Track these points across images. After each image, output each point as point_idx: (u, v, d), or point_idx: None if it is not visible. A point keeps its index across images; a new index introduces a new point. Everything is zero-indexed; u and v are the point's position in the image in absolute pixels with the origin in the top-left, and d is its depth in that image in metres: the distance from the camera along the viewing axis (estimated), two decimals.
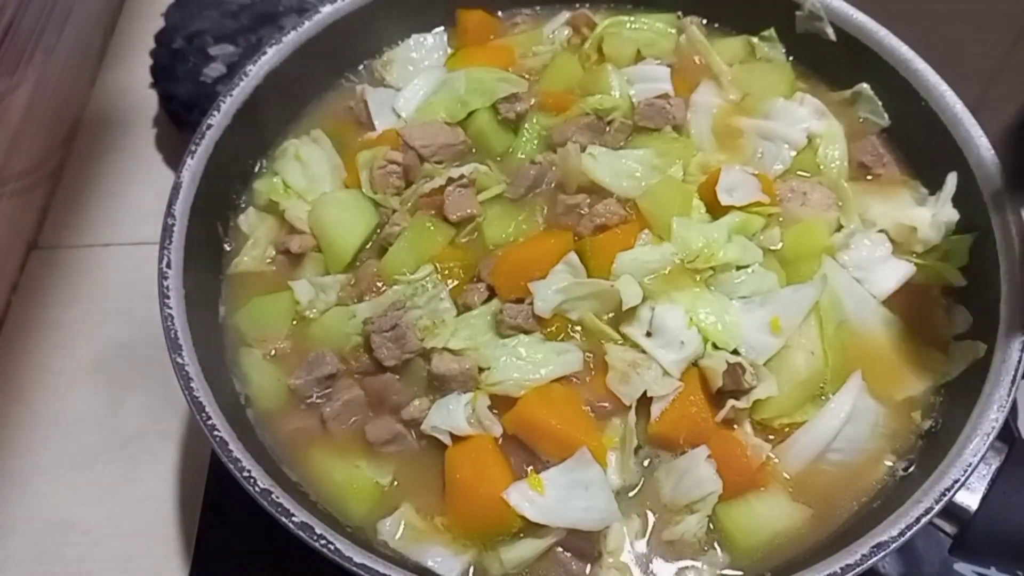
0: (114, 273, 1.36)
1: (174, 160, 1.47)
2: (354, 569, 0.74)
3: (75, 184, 1.46)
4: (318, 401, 0.91)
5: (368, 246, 1.01)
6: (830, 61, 1.14)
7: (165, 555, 1.12)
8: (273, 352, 0.95)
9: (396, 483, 0.88)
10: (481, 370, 0.89)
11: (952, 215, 1.01)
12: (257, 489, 0.78)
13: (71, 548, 1.13)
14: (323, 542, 0.75)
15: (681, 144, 1.06)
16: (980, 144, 0.99)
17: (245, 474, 0.78)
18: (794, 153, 1.07)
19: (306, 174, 1.07)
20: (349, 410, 0.90)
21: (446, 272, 0.95)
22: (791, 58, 1.18)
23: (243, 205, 1.07)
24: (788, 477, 0.88)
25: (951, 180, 1.02)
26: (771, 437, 0.89)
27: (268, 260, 1.03)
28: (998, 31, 1.45)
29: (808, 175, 1.06)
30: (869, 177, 1.07)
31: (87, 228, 1.41)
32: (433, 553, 0.83)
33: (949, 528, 0.85)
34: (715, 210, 0.99)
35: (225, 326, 0.98)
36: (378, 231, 1.01)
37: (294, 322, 0.97)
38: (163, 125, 1.50)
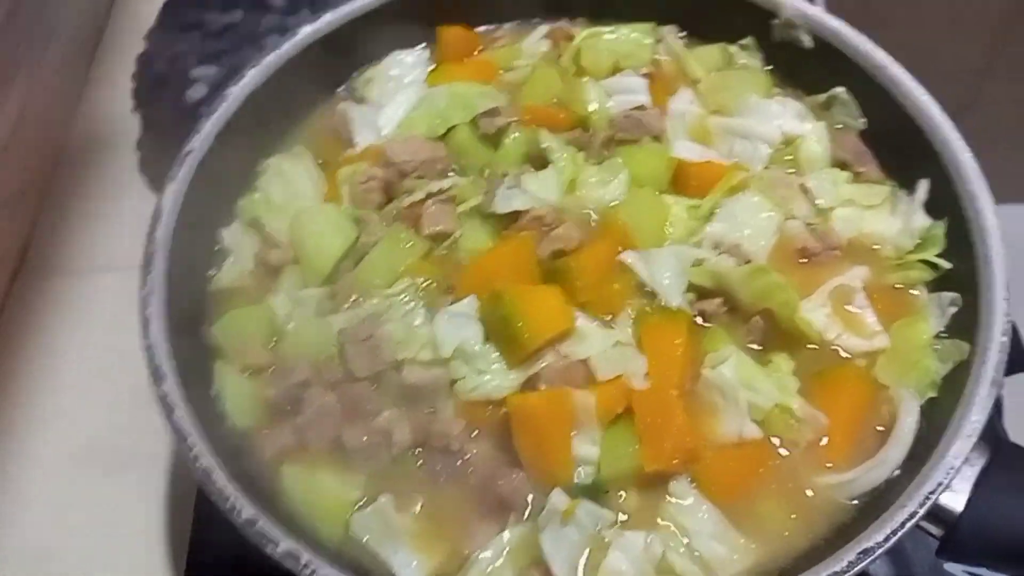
0: (100, 297, 1.36)
1: (158, 182, 1.45)
2: None
3: (60, 208, 1.46)
4: (290, 412, 0.91)
5: (346, 260, 1.01)
6: (807, 68, 1.14)
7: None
8: (250, 367, 0.95)
9: (367, 499, 0.88)
10: (453, 381, 0.90)
11: (924, 221, 1.02)
12: (240, 520, 0.77)
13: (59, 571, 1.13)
14: (308, 571, 0.75)
15: (658, 151, 1.07)
16: (956, 147, 1.00)
17: (228, 504, 0.78)
18: (770, 150, 1.08)
19: (287, 190, 1.07)
20: (322, 418, 0.90)
21: (421, 286, 0.96)
22: (769, 66, 1.18)
23: (227, 223, 1.07)
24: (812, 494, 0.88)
25: (923, 187, 1.03)
26: (828, 464, 0.89)
27: (248, 274, 1.03)
28: (973, 34, 1.46)
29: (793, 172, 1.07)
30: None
31: (72, 252, 1.41)
32: (401, 557, 0.84)
33: (935, 530, 0.85)
34: (694, 192, 1.03)
35: (208, 347, 0.98)
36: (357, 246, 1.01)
37: (273, 340, 0.97)
38: (146, 149, 1.50)
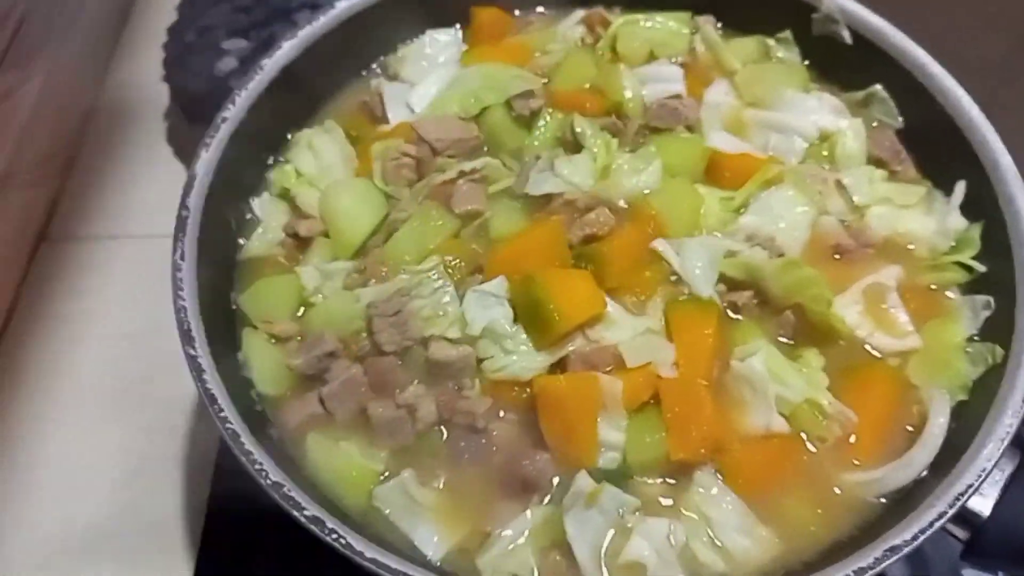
0: (123, 265, 1.36)
1: (185, 154, 1.47)
2: (365, 564, 0.74)
3: (86, 177, 1.46)
4: (317, 382, 0.91)
5: (376, 235, 1.01)
6: (845, 64, 1.13)
7: (171, 549, 1.12)
8: (277, 336, 0.94)
9: (390, 472, 0.88)
10: (480, 360, 0.90)
11: (960, 223, 1.01)
12: (269, 482, 0.77)
13: (77, 542, 1.13)
14: (334, 536, 0.75)
15: (693, 141, 1.07)
16: (996, 148, 0.98)
17: (257, 467, 0.78)
18: (806, 145, 1.07)
19: (318, 163, 1.07)
20: (347, 390, 0.89)
21: (451, 265, 0.95)
22: (806, 61, 1.17)
23: (257, 193, 1.07)
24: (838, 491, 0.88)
25: (960, 189, 1.02)
26: (856, 462, 0.89)
27: (278, 244, 1.03)
28: (1006, 32, 1.45)
29: (828, 168, 1.06)
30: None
31: (97, 220, 1.41)
32: (422, 531, 0.84)
33: (961, 533, 0.85)
34: (727, 184, 1.02)
35: (235, 315, 0.97)
36: (387, 221, 1.01)
37: (300, 309, 0.96)
38: (174, 118, 1.50)
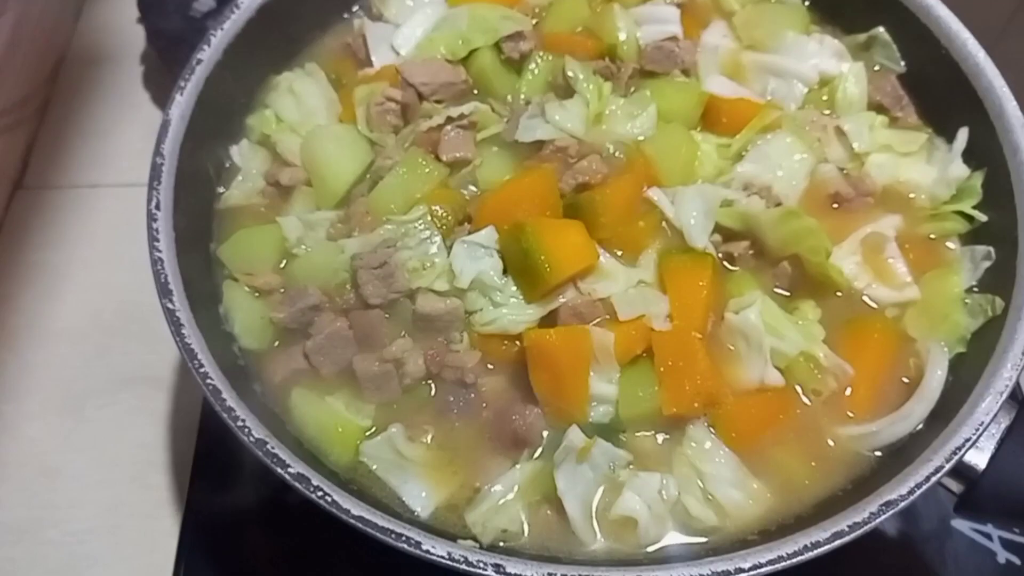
0: (102, 215, 1.32)
1: (162, 98, 1.41)
2: (351, 521, 0.72)
3: (60, 123, 1.41)
4: (302, 336, 0.89)
5: (360, 184, 0.97)
6: (847, 5, 1.10)
7: (157, 502, 1.11)
8: (259, 288, 0.92)
9: (377, 428, 0.86)
10: (469, 313, 0.88)
11: (962, 171, 0.98)
12: (252, 439, 0.75)
13: (61, 494, 1.12)
14: (320, 493, 0.74)
15: (689, 86, 1.03)
16: (1002, 94, 0.95)
17: (239, 423, 0.76)
18: (806, 90, 1.05)
19: (300, 108, 1.03)
20: (333, 344, 0.87)
21: (438, 215, 0.92)
22: (806, 2, 1.13)
23: (236, 139, 1.03)
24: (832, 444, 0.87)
25: (962, 135, 0.99)
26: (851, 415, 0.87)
27: (259, 193, 1.00)
28: None
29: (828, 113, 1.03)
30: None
31: (73, 168, 1.37)
32: (410, 487, 0.83)
33: (955, 487, 0.84)
34: (724, 130, 1.00)
35: (215, 266, 0.94)
36: (371, 168, 0.98)
37: (283, 261, 0.94)
38: (151, 62, 1.45)
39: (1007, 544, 1.10)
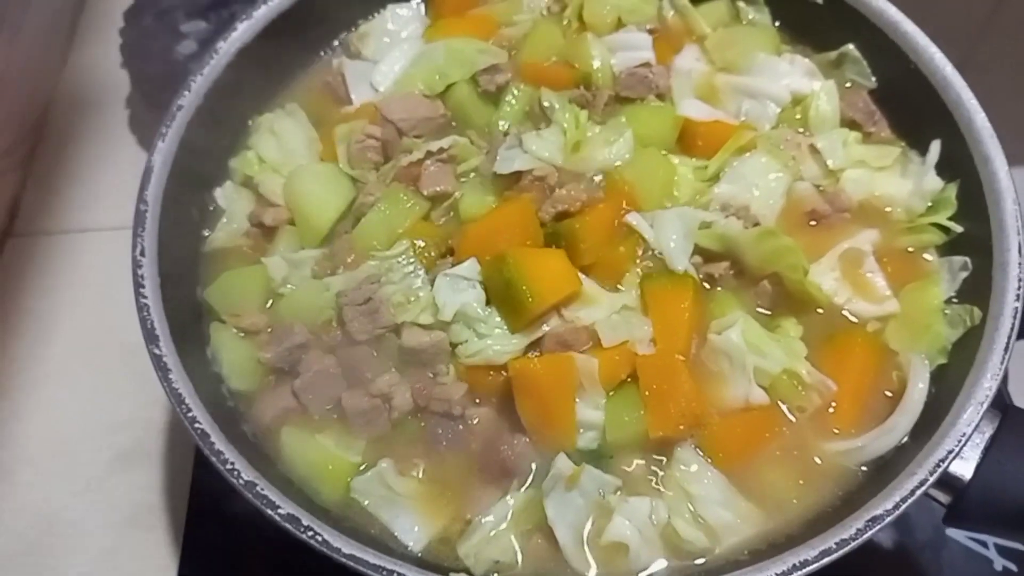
0: (92, 259, 1.33)
1: (149, 140, 1.41)
2: (343, 561, 0.73)
3: (48, 169, 1.42)
4: (290, 375, 0.89)
5: (343, 221, 0.99)
6: (816, 24, 1.11)
7: (154, 544, 1.11)
8: (246, 329, 0.93)
9: (368, 463, 0.87)
10: (454, 345, 0.88)
11: (936, 183, 1.00)
12: (241, 482, 0.76)
13: (59, 539, 1.12)
14: (310, 533, 0.74)
15: (664, 110, 1.04)
16: (970, 106, 0.97)
17: (228, 466, 0.77)
18: (779, 110, 1.06)
19: (281, 148, 1.05)
20: (320, 381, 0.88)
21: (421, 249, 0.93)
22: (776, 23, 1.15)
23: (220, 182, 1.05)
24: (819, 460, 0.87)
25: (935, 148, 1.00)
26: (836, 430, 0.88)
27: (243, 235, 1.01)
28: None
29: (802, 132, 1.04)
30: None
31: (63, 213, 1.38)
32: (402, 521, 0.83)
33: (943, 498, 0.84)
34: (700, 152, 1.01)
35: (202, 309, 0.95)
36: (354, 206, 0.99)
37: (269, 301, 0.95)
38: (136, 105, 1.46)
39: (1003, 551, 1.11)
